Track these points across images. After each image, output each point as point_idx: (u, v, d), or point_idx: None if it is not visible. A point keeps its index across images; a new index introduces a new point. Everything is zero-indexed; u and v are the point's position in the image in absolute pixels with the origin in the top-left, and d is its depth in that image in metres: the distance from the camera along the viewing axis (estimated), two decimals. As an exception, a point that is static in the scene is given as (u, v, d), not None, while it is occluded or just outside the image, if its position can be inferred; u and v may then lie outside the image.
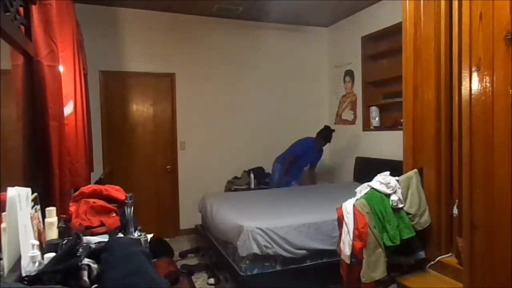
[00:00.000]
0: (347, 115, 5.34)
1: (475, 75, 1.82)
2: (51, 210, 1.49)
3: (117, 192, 2.02)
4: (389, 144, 4.37)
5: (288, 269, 2.98)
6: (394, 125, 4.40)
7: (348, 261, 2.44)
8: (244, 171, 5.15)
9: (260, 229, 2.92)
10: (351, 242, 2.40)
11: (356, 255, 2.39)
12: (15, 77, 1.65)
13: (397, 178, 2.66)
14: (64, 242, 1.31)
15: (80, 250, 1.18)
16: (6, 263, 1.13)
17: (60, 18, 2.09)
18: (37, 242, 1.19)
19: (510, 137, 1.66)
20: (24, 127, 1.69)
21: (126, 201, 1.84)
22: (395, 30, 3.88)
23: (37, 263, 1.11)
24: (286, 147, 5.34)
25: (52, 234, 1.47)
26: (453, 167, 2.57)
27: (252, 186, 4.96)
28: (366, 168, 4.55)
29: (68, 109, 2.35)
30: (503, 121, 1.69)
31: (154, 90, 4.87)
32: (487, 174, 1.79)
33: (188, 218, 4.83)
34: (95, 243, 1.47)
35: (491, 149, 1.75)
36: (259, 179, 5.08)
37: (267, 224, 2.98)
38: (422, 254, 2.64)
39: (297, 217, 3.17)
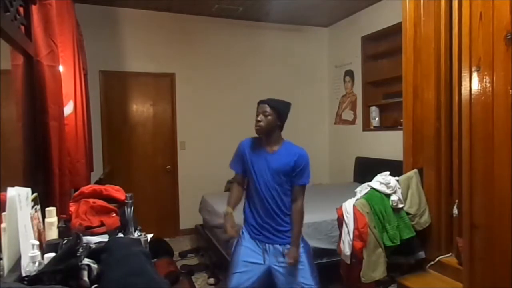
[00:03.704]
0: (347, 115, 5.34)
1: (475, 75, 1.82)
2: (51, 210, 1.49)
3: (117, 192, 2.02)
4: (389, 144, 4.37)
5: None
6: (394, 125, 4.40)
7: (348, 261, 2.44)
8: (244, 171, 5.15)
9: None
10: (351, 242, 2.40)
11: (356, 255, 2.39)
12: (15, 77, 1.65)
13: (397, 178, 2.66)
14: (64, 242, 1.30)
15: (80, 250, 1.18)
16: (6, 263, 1.13)
17: (60, 18, 2.09)
18: (37, 242, 1.19)
19: (510, 137, 1.66)
20: (24, 127, 1.69)
21: (126, 201, 1.84)
22: (395, 30, 3.88)
23: (37, 263, 1.11)
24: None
25: (52, 234, 1.47)
26: (453, 167, 2.57)
27: (252, 186, 4.94)
28: (366, 168, 4.54)
29: (68, 109, 2.35)
30: (503, 121, 1.69)
31: (154, 90, 4.87)
32: (487, 174, 1.79)
33: (188, 218, 4.83)
34: (95, 243, 1.47)
35: (491, 149, 1.75)
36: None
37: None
38: (422, 254, 2.65)
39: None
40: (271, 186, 2.09)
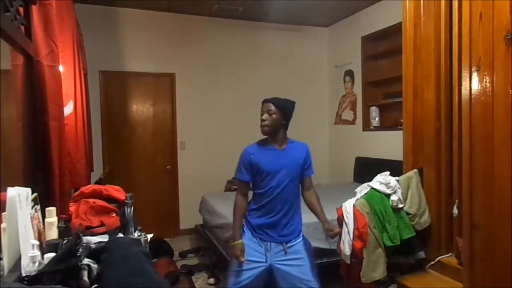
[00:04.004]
0: (347, 115, 5.34)
1: (475, 75, 1.82)
2: (51, 210, 1.49)
3: (117, 192, 2.02)
4: (389, 144, 4.37)
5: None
6: (394, 125, 4.40)
7: (348, 261, 2.44)
8: (244, 171, 5.15)
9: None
10: (351, 242, 2.40)
11: (356, 255, 2.39)
12: (15, 77, 1.65)
13: (397, 178, 2.66)
14: (64, 242, 1.30)
15: (80, 250, 1.18)
16: (6, 263, 1.13)
17: (60, 18, 2.09)
18: (37, 242, 1.19)
19: (510, 137, 1.66)
20: (24, 127, 1.69)
21: (126, 201, 1.84)
22: (395, 30, 3.88)
23: (37, 263, 1.11)
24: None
25: (52, 234, 1.47)
26: (453, 167, 2.57)
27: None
28: (366, 168, 4.54)
29: (68, 109, 2.35)
30: (503, 121, 1.69)
31: (154, 90, 4.87)
32: (487, 174, 1.79)
33: (188, 218, 4.83)
34: (95, 243, 1.47)
35: (491, 149, 1.75)
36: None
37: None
38: (422, 254, 2.65)
39: (297, 217, 3.15)
40: (285, 182, 2.12)
